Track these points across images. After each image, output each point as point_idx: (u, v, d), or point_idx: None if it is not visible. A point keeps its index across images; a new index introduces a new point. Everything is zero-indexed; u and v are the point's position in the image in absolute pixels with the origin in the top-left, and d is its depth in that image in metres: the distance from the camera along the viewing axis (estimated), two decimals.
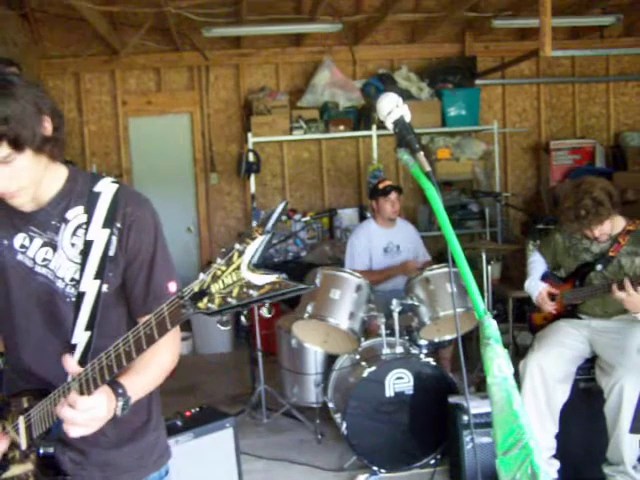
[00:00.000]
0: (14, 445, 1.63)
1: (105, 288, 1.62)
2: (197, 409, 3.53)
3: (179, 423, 3.33)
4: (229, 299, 1.15)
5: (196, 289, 1.19)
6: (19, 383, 1.70)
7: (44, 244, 1.64)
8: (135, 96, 7.68)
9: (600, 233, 3.58)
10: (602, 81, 8.28)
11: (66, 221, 1.65)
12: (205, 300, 1.18)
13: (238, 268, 1.14)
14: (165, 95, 7.72)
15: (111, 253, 1.63)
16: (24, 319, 1.67)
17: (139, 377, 1.58)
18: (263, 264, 1.15)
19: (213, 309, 1.17)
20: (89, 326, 1.60)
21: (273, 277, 1.12)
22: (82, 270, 1.61)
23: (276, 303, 4.74)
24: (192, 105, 7.75)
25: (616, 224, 3.62)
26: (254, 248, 1.14)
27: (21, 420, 1.62)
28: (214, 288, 1.16)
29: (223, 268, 1.16)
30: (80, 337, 1.60)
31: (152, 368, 1.62)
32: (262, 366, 4.95)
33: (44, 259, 1.64)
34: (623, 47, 7.88)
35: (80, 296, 1.61)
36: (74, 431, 1.44)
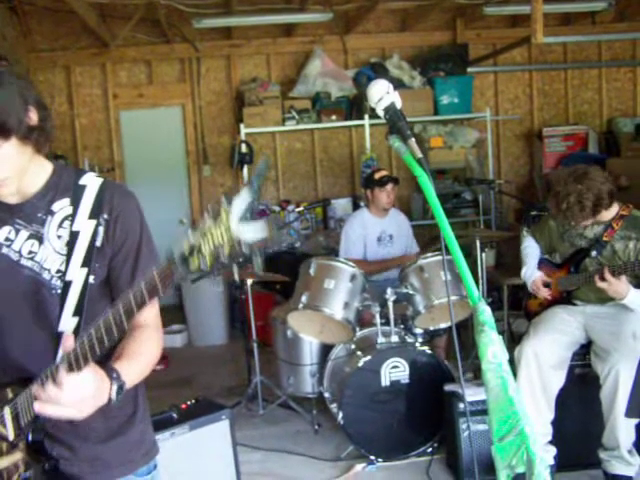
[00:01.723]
0: (0, 438, 1.60)
1: (91, 279, 1.62)
2: (193, 401, 3.52)
3: (175, 416, 3.32)
4: (221, 258, 1.16)
5: (186, 251, 1.19)
6: (2, 377, 1.67)
7: (30, 236, 1.64)
8: (126, 89, 7.65)
9: (586, 224, 3.59)
10: (594, 67, 8.29)
11: (52, 213, 1.65)
12: (196, 261, 1.18)
13: (227, 225, 1.15)
14: (156, 87, 7.69)
15: (98, 244, 1.63)
16: (10, 311, 1.65)
17: (130, 363, 1.57)
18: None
19: (205, 269, 1.17)
20: (77, 312, 1.60)
21: (261, 225, 1.16)
22: (68, 260, 1.61)
23: (271, 294, 4.70)
24: (184, 97, 7.73)
25: (610, 209, 3.62)
26: (241, 203, 1.16)
27: (7, 411, 1.59)
28: (204, 248, 1.17)
29: (211, 227, 1.17)
30: (67, 324, 1.59)
31: (142, 357, 1.62)
32: (258, 357, 4.93)
33: (30, 252, 1.64)
34: (615, 32, 7.89)
35: (67, 285, 1.60)
36: (60, 411, 1.41)
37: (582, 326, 3.68)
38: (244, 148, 7.04)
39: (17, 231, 1.64)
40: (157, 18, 6.75)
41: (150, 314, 1.69)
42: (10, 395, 1.59)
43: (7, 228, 1.65)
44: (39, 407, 1.41)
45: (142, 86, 7.67)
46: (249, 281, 4.94)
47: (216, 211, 1.17)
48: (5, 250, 1.64)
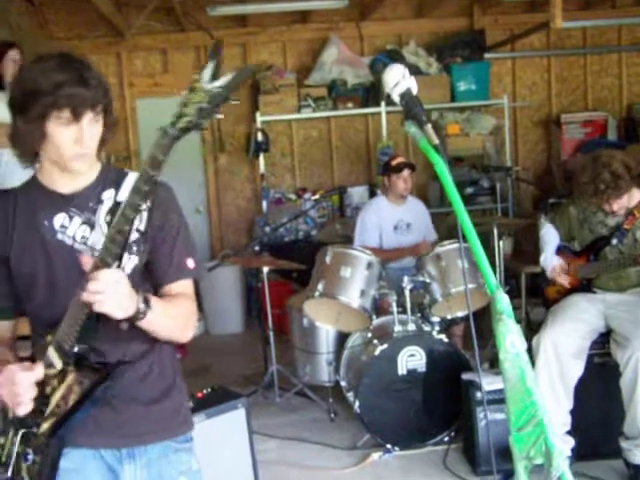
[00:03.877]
0: (49, 379, 1.69)
1: (136, 260, 1.76)
2: (209, 390, 3.52)
3: (191, 404, 3.32)
4: (204, 106, 1.41)
5: (174, 118, 1.45)
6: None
7: (83, 223, 1.78)
8: (142, 78, 7.63)
9: (618, 207, 3.54)
10: (614, 51, 8.15)
11: (102, 202, 1.80)
12: (183, 120, 1.43)
13: (200, 87, 1.41)
14: (172, 76, 7.66)
15: (142, 228, 1.77)
16: (67, 292, 1.73)
17: (160, 300, 1.71)
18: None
19: (192, 120, 1.43)
20: (119, 263, 1.68)
21: (227, 75, 1.42)
22: (110, 223, 1.71)
23: (287, 283, 4.71)
24: None
25: (633, 197, 3.57)
26: (208, 70, 1.41)
27: (50, 349, 1.69)
28: (188, 110, 1.42)
29: (189, 95, 1.41)
30: None
31: (174, 304, 1.77)
32: (274, 346, 4.94)
33: (83, 237, 1.77)
34: (636, 16, 7.73)
35: None
36: (105, 306, 1.54)
37: (601, 314, 3.64)
38: (260, 136, 7.02)
39: (71, 218, 1.78)
40: (172, 6, 6.73)
41: (182, 287, 1.84)
42: (50, 338, 1.71)
43: (62, 215, 1.78)
44: (85, 296, 1.54)
45: (157, 75, 7.66)
46: (265, 269, 4.93)
47: (189, 86, 1.41)
48: (60, 236, 1.77)
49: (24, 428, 1.72)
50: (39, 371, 1.66)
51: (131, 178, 1.81)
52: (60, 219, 1.77)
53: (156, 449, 1.85)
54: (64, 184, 1.78)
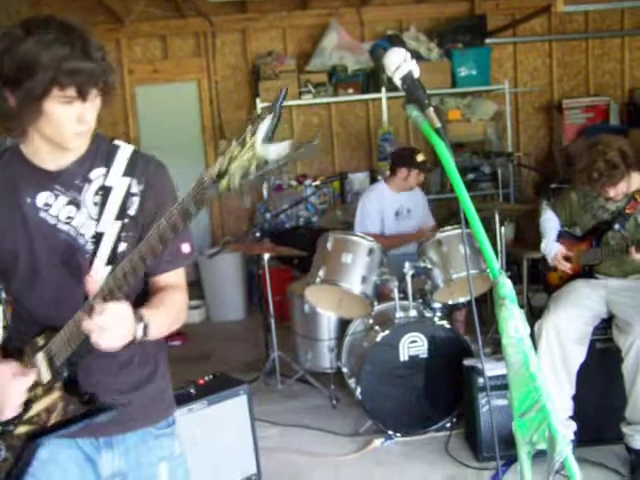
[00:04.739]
0: (34, 384, 1.65)
1: (124, 247, 1.66)
2: (210, 377, 3.52)
3: (193, 391, 3.33)
4: (249, 176, 1.24)
5: (215, 173, 1.26)
6: (33, 329, 1.71)
7: (68, 202, 1.68)
8: (141, 65, 7.60)
9: (615, 193, 3.53)
10: (616, 36, 8.09)
11: (89, 181, 1.70)
12: (225, 181, 1.25)
13: (252, 146, 1.23)
14: (172, 63, 7.63)
15: (132, 213, 1.68)
16: (46, 271, 1.69)
17: (153, 311, 1.62)
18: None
19: (234, 188, 1.25)
20: (110, 262, 1.63)
21: (285, 145, 1.25)
22: (100, 213, 1.65)
23: (288, 269, 4.68)
24: (199, 72, 7.67)
25: (633, 181, 3.55)
26: (265, 126, 1.24)
27: (40, 356, 1.64)
28: (232, 169, 1.24)
29: (238, 149, 1.24)
30: (100, 273, 1.62)
31: (166, 308, 1.68)
32: (275, 332, 4.93)
33: (68, 217, 1.68)
34: None
35: (99, 236, 1.65)
36: (104, 340, 1.46)
37: (603, 300, 3.64)
38: None
39: (56, 196, 1.68)
40: None
41: (175, 276, 1.77)
42: (42, 342, 1.65)
43: (46, 193, 1.68)
44: (88, 326, 1.46)
45: (157, 61, 7.62)
46: (266, 256, 4.92)
47: (242, 136, 1.25)
48: (43, 214, 1.68)
49: (0, 425, 1.67)
50: (31, 378, 1.62)
51: (122, 153, 1.72)
52: (44, 197, 1.67)
53: (134, 437, 1.79)
54: (51, 159, 1.66)
